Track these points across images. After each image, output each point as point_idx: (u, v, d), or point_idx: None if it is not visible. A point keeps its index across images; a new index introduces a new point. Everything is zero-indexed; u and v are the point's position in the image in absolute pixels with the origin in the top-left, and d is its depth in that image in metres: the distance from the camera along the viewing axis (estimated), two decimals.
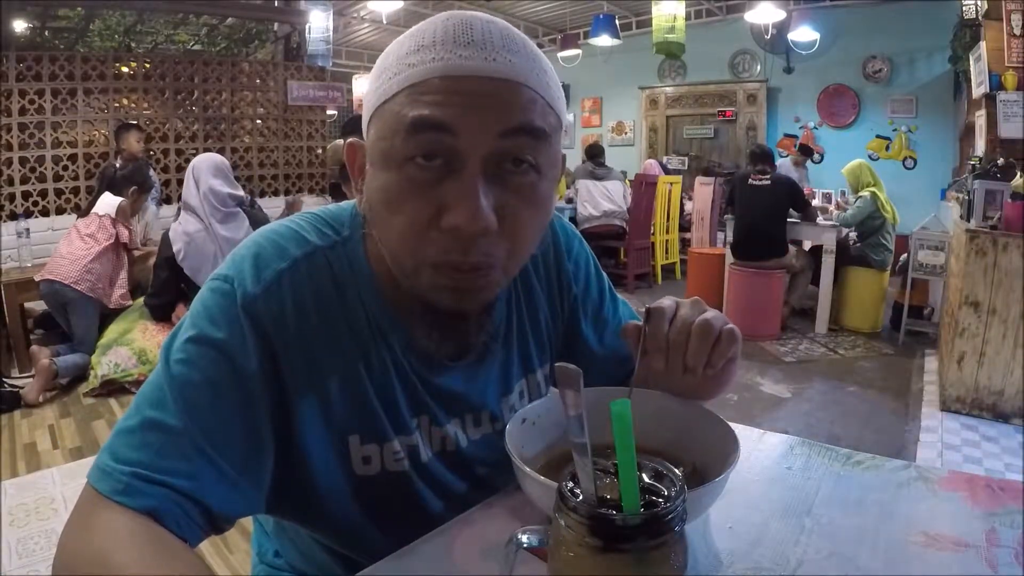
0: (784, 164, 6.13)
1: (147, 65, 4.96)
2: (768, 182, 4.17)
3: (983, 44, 4.03)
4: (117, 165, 3.78)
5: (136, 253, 3.56)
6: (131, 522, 0.48)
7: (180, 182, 3.68)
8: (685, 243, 6.34)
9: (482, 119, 0.50)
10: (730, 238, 4.43)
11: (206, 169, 3.06)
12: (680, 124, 8.81)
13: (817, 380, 3.44)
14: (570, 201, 5.83)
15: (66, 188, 4.43)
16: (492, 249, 0.53)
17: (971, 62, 4.38)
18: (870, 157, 6.87)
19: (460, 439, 0.67)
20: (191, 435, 0.52)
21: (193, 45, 8.66)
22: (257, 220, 3.15)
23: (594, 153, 5.76)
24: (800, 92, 7.69)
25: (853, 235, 4.41)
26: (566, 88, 9.64)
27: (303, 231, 0.61)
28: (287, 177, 5.57)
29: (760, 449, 0.75)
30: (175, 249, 2.99)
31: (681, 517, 0.36)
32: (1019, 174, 3.04)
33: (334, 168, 5.67)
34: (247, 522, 0.84)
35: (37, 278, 3.22)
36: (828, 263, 4.22)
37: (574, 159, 8.05)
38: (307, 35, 5.82)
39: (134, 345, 3.14)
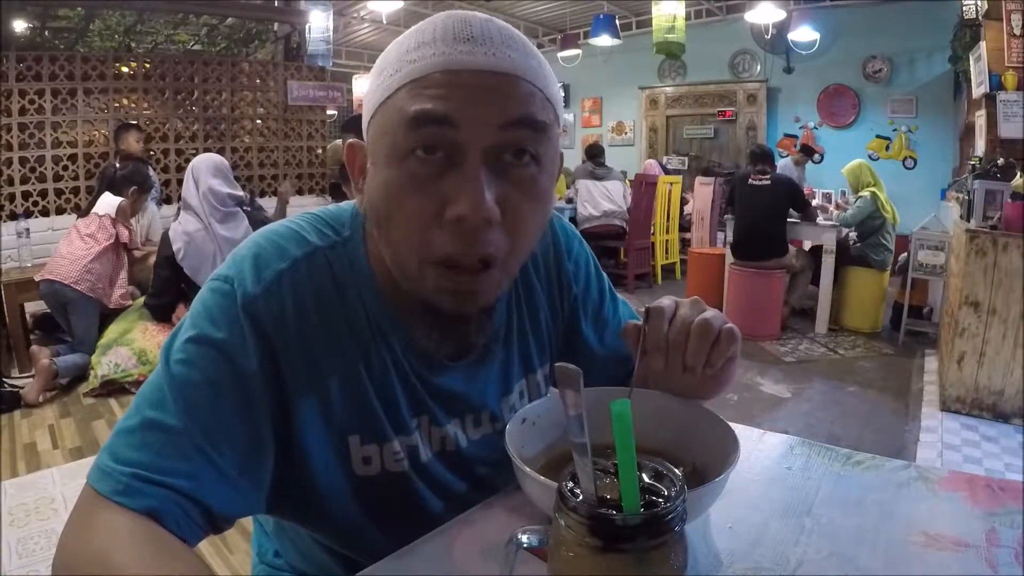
0: (785, 164, 6.14)
1: (147, 65, 4.96)
2: (768, 182, 4.17)
3: (983, 44, 4.03)
4: (117, 165, 3.78)
5: (136, 253, 3.56)
6: (131, 522, 0.48)
7: (180, 182, 3.67)
8: (685, 243, 6.34)
9: (483, 111, 0.51)
10: (730, 238, 4.43)
11: (205, 169, 3.06)
12: (680, 124, 8.81)
13: (817, 380, 3.44)
14: (570, 201, 5.83)
15: (66, 188, 4.43)
16: (495, 242, 0.53)
17: (971, 62, 4.38)
18: (870, 157, 6.87)
19: (460, 439, 0.67)
20: (191, 435, 0.52)
21: (193, 45, 8.66)
22: (257, 220, 3.15)
23: (594, 153, 5.76)
24: (800, 92, 7.69)
25: (853, 235, 4.41)
26: (566, 88, 9.73)
27: (303, 231, 0.61)
28: (287, 177, 5.56)
29: (760, 449, 0.75)
30: (174, 248, 3.00)
31: (681, 517, 0.36)
32: (1019, 174, 3.04)
33: (334, 168, 5.68)
34: (247, 522, 0.84)
35: (37, 278, 3.22)
36: (828, 263, 4.22)
37: (574, 159, 8.06)
38: (307, 35, 5.82)
39: (134, 345, 3.14)
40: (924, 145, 6.88)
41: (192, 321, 0.56)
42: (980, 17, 4.23)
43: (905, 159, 7.01)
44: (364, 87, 0.61)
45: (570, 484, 0.38)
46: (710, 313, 0.61)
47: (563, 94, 9.51)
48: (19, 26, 6.29)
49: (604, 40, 6.81)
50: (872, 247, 4.19)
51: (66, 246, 3.23)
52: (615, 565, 0.35)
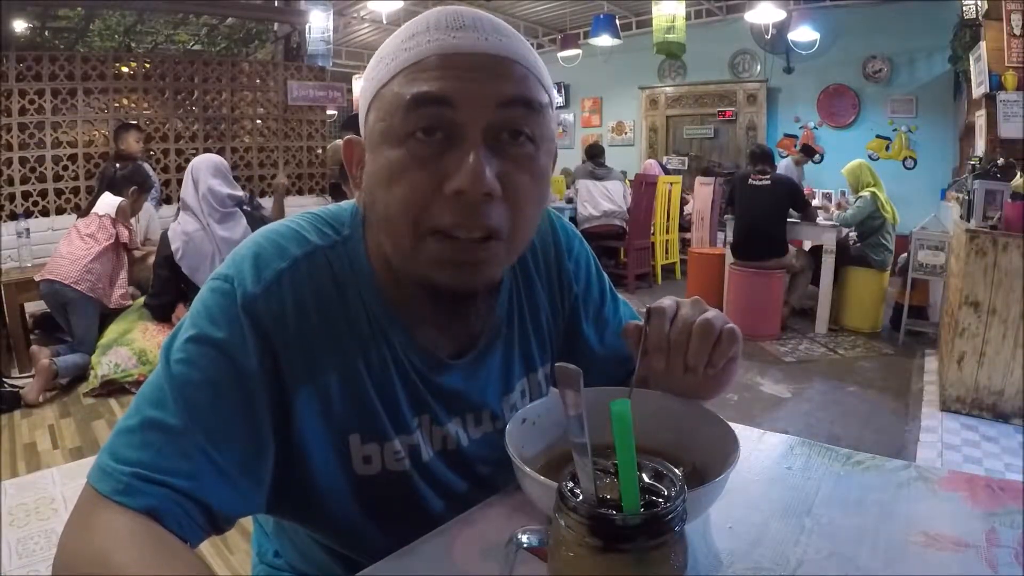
0: (785, 164, 6.14)
1: (147, 65, 4.96)
2: (768, 182, 4.17)
3: (983, 44, 4.03)
4: (117, 165, 3.78)
5: (136, 253, 3.56)
6: (131, 522, 0.48)
7: (180, 182, 3.68)
8: (685, 243, 6.34)
9: (479, 91, 0.52)
10: (730, 238, 4.43)
11: (205, 169, 3.06)
12: (680, 124, 8.81)
13: (817, 380, 3.44)
14: (570, 201, 5.83)
15: (66, 188, 4.43)
16: (495, 217, 0.53)
17: (971, 62, 4.38)
18: (870, 157, 6.87)
19: (461, 438, 0.67)
20: (191, 435, 0.52)
21: (193, 45, 8.66)
22: (256, 220, 3.15)
23: (594, 153, 5.76)
24: (800, 92, 7.69)
25: (853, 235, 4.41)
26: (566, 88, 9.73)
27: (303, 231, 0.61)
28: (287, 177, 5.56)
29: (760, 449, 0.75)
30: (173, 248, 3.00)
31: (681, 517, 0.36)
32: (1019, 174, 3.04)
33: (334, 168, 5.67)
34: (247, 522, 0.84)
35: (37, 278, 3.22)
36: (828, 263, 4.22)
37: (574, 159, 8.06)
38: (307, 35, 5.82)
39: (134, 345, 3.14)
40: (924, 145, 6.88)
41: (192, 321, 0.56)
42: (980, 17, 4.23)
43: (905, 159, 7.01)
44: (361, 87, 0.62)
45: (570, 484, 0.38)
46: (711, 313, 0.61)
47: (563, 94, 9.58)
48: (19, 26, 6.29)
49: (604, 40, 6.81)
50: (872, 247, 4.19)
51: (66, 246, 3.23)
52: (615, 565, 0.35)
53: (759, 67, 7.97)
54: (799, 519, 0.60)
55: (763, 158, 4.36)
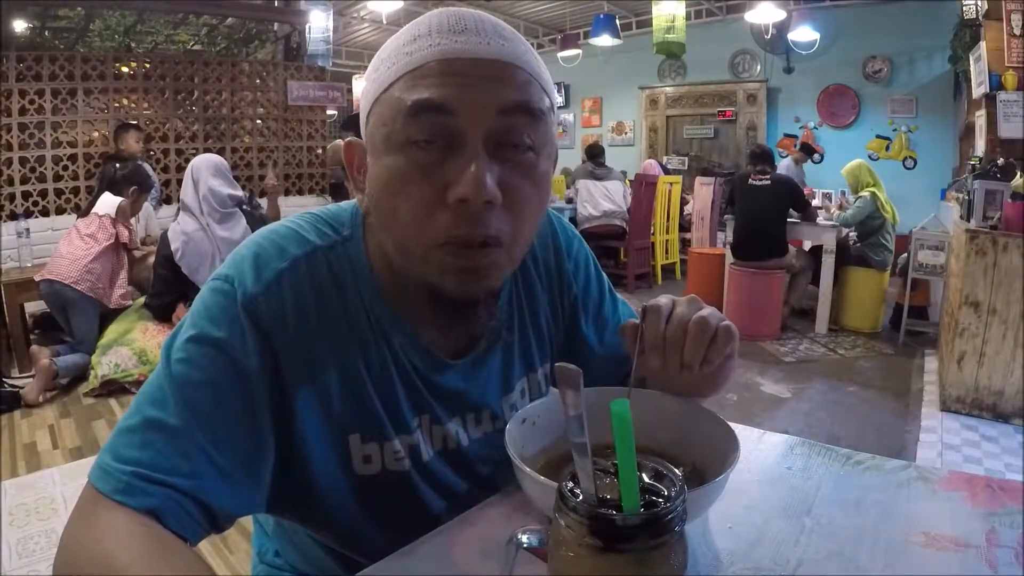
0: (785, 164, 6.14)
1: (147, 65, 4.96)
2: (768, 182, 4.17)
3: (983, 44, 4.03)
4: (117, 165, 3.78)
5: (136, 253, 3.56)
6: (132, 521, 0.48)
7: (180, 182, 3.68)
8: (685, 243, 6.34)
9: (480, 98, 0.52)
10: (730, 238, 4.43)
11: (205, 169, 3.06)
12: (680, 124, 8.81)
13: (817, 380, 3.44)
14: (570, 201, 5.83)
15: (66, 188, 4.43)
16: (498, 224, 0.53)
17: (971, 62, 4.38)
18: (870, 157, 6.87)
19: (461, 438, 0.67)
20: (191, 434, 0.52)
21: (193, 45, 8.66)
22: (256, 220, 3.15)
23: (594, 153, 5.76)
24: (800, 92, 7.69)
25: (853, 235, 4.41)
26: (566, 88, 9.73)
27: (303, 231, 0.62)
28: (287, 177, 5.56)
29: (760, 449, 0.75)
30: (173, 248, 3.00)
31: (681, 517, 0.36)
32: (1019, 174, 3.04)
33: (334, 168, 5.68)
34: (247, 522, 0.84)
35: (37, 278, 3.22)
36: (828, 263, 4.22)
37: (574, 159, 8.06)
38: (307, 35, 5.82)
39: (134, 345, 3.14)
40: (924, 145, 6.88)
41: (192, 320, 0.57)
42: (980, 17, 4.23)
43: (905, 159, 7.01)
44: (362, 88, 0.61)
45: (570, 484, 0.38)
46: (707, 311, 0.61)
47: (563, 94, 9.58)
48: (19, 26, 6.30)
49: (604, 40, 6.81)
50: (872, 247, 4.19)
51: (66, 246, 3.23)
52: (615, 565, 0.35)
53: (759, 67, 7.97)
54: (799, 519, 0.60)
55: (763, 158, 4.36)
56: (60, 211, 4.38)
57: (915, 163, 6.96)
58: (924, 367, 3.57)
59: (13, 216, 4.03)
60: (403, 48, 0.54)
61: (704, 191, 5.90)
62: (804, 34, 6.80)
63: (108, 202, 3.32)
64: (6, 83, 4.12)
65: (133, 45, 8.05)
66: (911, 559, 0.54)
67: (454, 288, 0.56)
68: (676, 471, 0.39)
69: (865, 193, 4.16)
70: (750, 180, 4.24)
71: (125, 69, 4.80)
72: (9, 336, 3.49)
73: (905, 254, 4.13)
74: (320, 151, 5.77)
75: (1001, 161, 3.26)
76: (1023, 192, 2.88)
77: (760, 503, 0.63)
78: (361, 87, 0.62)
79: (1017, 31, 3.84)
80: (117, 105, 4.67)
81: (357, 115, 0.61)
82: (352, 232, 0.63)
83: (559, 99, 9.36)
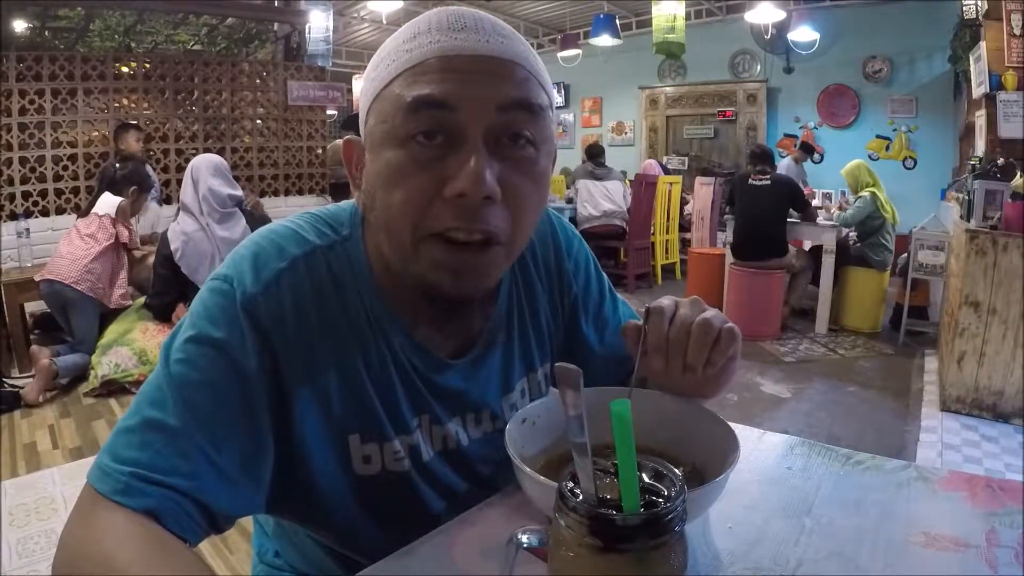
0: (785, 164, 6.14)
1: (147, 65, 4.96)
2: (768, 182, 4.17)
3: (983, 44, 4.03)
4: (117, 165, 3.78)
5: (136, 253, 3.56)
6: (131, 522, 0.48)
7: (180, 182, 3.68)
8: (685, 243, 6.35)
9: (480, 94, 0.52)
10: (730, 238, 4.43)
11: (205, 169, 3.06)
12: (680, 124, 8.81)
13: (817, 380, 3.44)
14: (570, 201, 5.83)
15: (66, 188, 4.43)
16: (496, 220, 0.53)
17: (971, 62, 4.38)
18: (870, 157, 6.87)
19: (461, 438, 0.67)
20: (191, 435, 0.52)
21: (193, 45, 8.66)
22: (256, 220, 3.15)
23: (594, 153, 5.76)
24: (800, 92, 7.69)
25: (853, 235, 4.41)
26: (566, 88, 9.72)
27: (302, 231, 0.61)
28: (287, 177, 5.56)
29: (760, 449, 0.75)
30: (172, 248, 3.00)
31: (681, 517, 0.36)
32: (1019, 174, 3.04)
33: (334, 168, 5.68)
34: (247, 522, 0.84)
35: (37, 278, 3.22)
36: (828, 263, 4.22)
37: (574, 159, 8.06)
38: (307, 35, 5.82)
39: (134, 345, 3.14)
40: (924, 145, 6.88)
41: (192, 321, 0.57)
42: (980, 17, 4.23)
43: (905, 159, 7.01)
44: (361, 88, 0.62)
45: (570, 484, 0.38)
46: (710, 312, 0.61)
47: (563, 94, 9.58)
48: (19, 26, 6.29)
49: (604, 40, 6.81)
50: (872, 247, 4.19)
51: (66, 246, 3.23)
52: (615, 565, 0.35)
53: (759, 67, 7.97)
54: (799, 519, 0.60)
55: (763, 158, 4.36)
56: (60, 211, 4.38)
57: (915, 163, 6.96)
58: (924, 367, 3.57)
59: (13, 216, 4.04)
60: (403, 46, 0.54)
61: (704, 191, 5.90)
62: (804, 34, 6.80)
63: (108, 202, 3.32)
64: (6, 83, 4.13)
65: (133, 45, 8.05)
66: (911, 559, 0.54)
67: (449, 286, 0.56)
68: (676, 471, 0.39)
69: (865, 193, 4.16)
70: (750, 180, 4.24)
71: (125, 69, 4.80)
72: (9, 336, 3.49)
73: (905, 254, 4.13)
74: (320, 151, 5.77)
75: (1001, 161, 3.26)
76: (1023, 192, 2.88)
77: (760, 503, 0.63)
78: (361, 87, 0.62)
79: (1017, 31, 3.84)
80: (117, 105, 4.67)
81: (357, 115, 0.61)
82: (351, 232, 0.63)
83: (559, 99, 9.37)
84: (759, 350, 3.93)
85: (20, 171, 4.23)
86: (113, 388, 3.08)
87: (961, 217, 3.27)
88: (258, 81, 5.45)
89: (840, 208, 4.97)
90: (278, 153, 5.50)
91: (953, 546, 0.55)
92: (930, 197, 6.03)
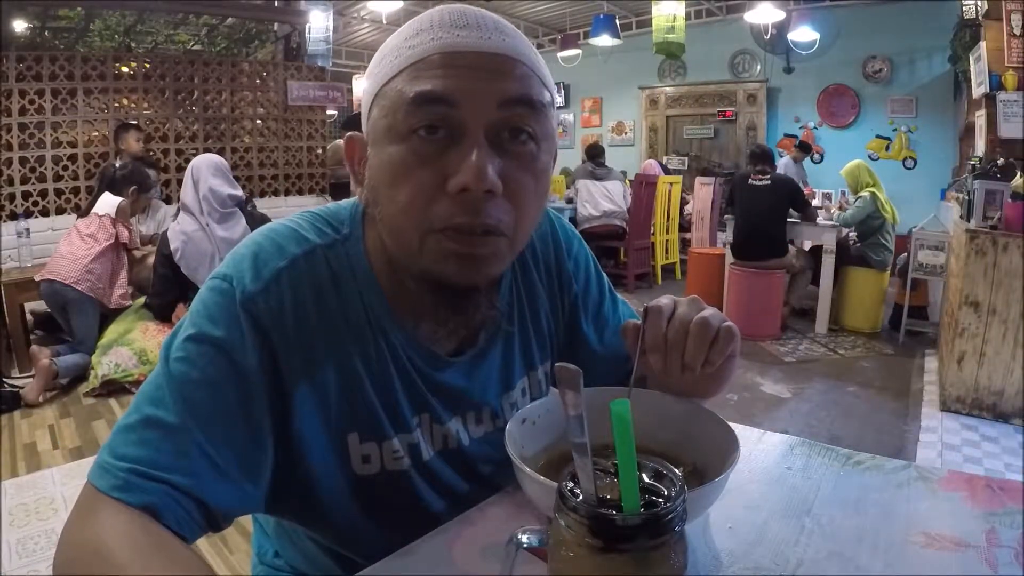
0: (784, 163, 6.14)
1: (147, 65, 4.96)
2: (768, 182, 4.17)
3: (983, 44, 4.03)
4: (117, 165, 3.78)
5: (136, 253, 3.56)
6: (129, 519, 0.48)
7: (180, 182, 3.68)
8: (685, 243, 6.35)
9: (482, 90, 0.52)
10: (730, 238, 4.43)
11: (205, 169, 3.06)
12: (680, 124, 8.81)
13: (817, 380, 3.44)
14: (570, 201, 5.83)
15: (66, 188, 4.43)
16: (497, 213, 0.54)
17: (971, 62, 4.38)
18: (870, 157, 6.87)
19: (462, 437, 0.67)
20: (190, 432, 0.52)
21: (193, 45, 8.66)
22: (256, 220, 3.15)
23: (594, 153, 5.76)
24: (800, 92, 7.69)
25: (853, 235, 4.41)
26: (566, 88, 9.72)
27: (302, 230, 0.62)
28: (287, 177, 5.56)
29: (760, 449, 0.75)
30: (172, 248, 3.00)
31: (681, 517, 0.36)
32: (1019, 174, 3.04)
33: (334, 168, 5.67)
34: (247, 522, 0.84)
35: (37, 278, 3.22)
36: (828, 263, 4.22)
37: (574, 159, 8.06)
38: (307, 35, 5.82)
39: (134, 345, 3.14)
40: (924, 145, 6.88)
41: (192, 320, 0.57)
42: (980, 17, 4.23)
43: (905, 159, 7.01)
44: (363, 86, 0.62)
45: (570, 484, 0.38)
46: (708, 311, 0.61)
47: (563, 94, 9.58)
48: (19, 26, 6.30)
49: (604, 40, 6.81)
50: (872, 247, 4.19)
51: (66, 246, 3.23)
52: (615, 565, 0.35)
53: (759, 67, 7.97)
54: (799, 519, 0.60)
55: (763, 158, 4.36)
56: (60, 211, 4.38)
57: (915, 163, 6.96)
58: (924, 367, 3.57)
59: (13, 216, 4.03)
60: (406, 42, 0.55)
61: (704, 191, 5.90)
62: (804, 34, 6.80)
63: (108, 202, 3.32)
64: (6, 83, 4.12)
65: (133, 45, 8.05)
66: (911, 559, 0.54)
67: (455, 274, 0.55)
68: (676, 471, 0.39)
69: (865, 193, 4.16)
70: (750, 180, 4.24)
71: (125, 69, 4.80)
72: (9, 336, 3.49)
73: (905, 254, 4.13)
74: (320, 151, 5.77)
75: (1001, 161, 3.26)
76: (1023, 192, 2.88)
77: (760, 503, 0.63)
78: (362, 86, 0.63)
79: (1017, 31, 3.84)
80: (117, 105, 4.67)
81: (357, 115, 0.61)
82: (351, 231, 0.63)
83: (559, 99, 9.37)
84: (759, 350, 3.93)
85: (20, 171, 4.23)
86: (113, 388, 3.08)
87: (961, 217, 3.27)
88: (258, 81, 5.45)
89: (840, 208, 4.97)
90: (278, 153, 5.50)
91: (953, 546, 0.55)
92: (930, 197, 6.03)
